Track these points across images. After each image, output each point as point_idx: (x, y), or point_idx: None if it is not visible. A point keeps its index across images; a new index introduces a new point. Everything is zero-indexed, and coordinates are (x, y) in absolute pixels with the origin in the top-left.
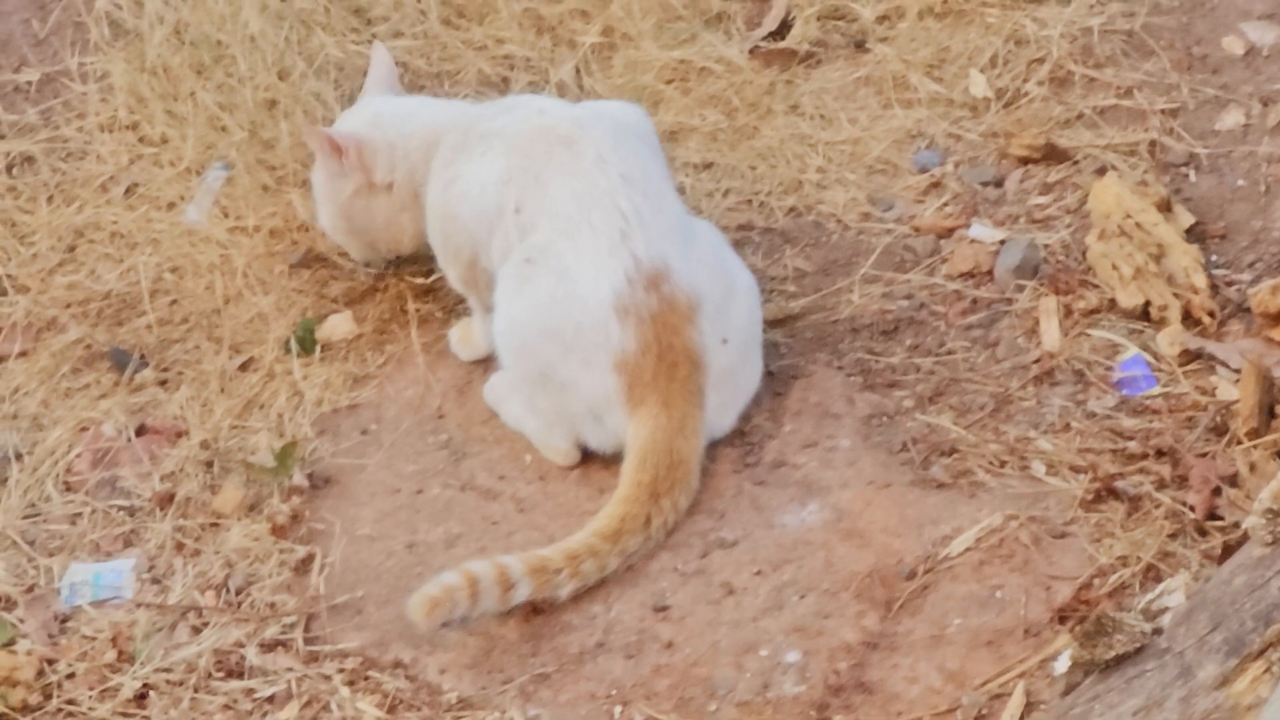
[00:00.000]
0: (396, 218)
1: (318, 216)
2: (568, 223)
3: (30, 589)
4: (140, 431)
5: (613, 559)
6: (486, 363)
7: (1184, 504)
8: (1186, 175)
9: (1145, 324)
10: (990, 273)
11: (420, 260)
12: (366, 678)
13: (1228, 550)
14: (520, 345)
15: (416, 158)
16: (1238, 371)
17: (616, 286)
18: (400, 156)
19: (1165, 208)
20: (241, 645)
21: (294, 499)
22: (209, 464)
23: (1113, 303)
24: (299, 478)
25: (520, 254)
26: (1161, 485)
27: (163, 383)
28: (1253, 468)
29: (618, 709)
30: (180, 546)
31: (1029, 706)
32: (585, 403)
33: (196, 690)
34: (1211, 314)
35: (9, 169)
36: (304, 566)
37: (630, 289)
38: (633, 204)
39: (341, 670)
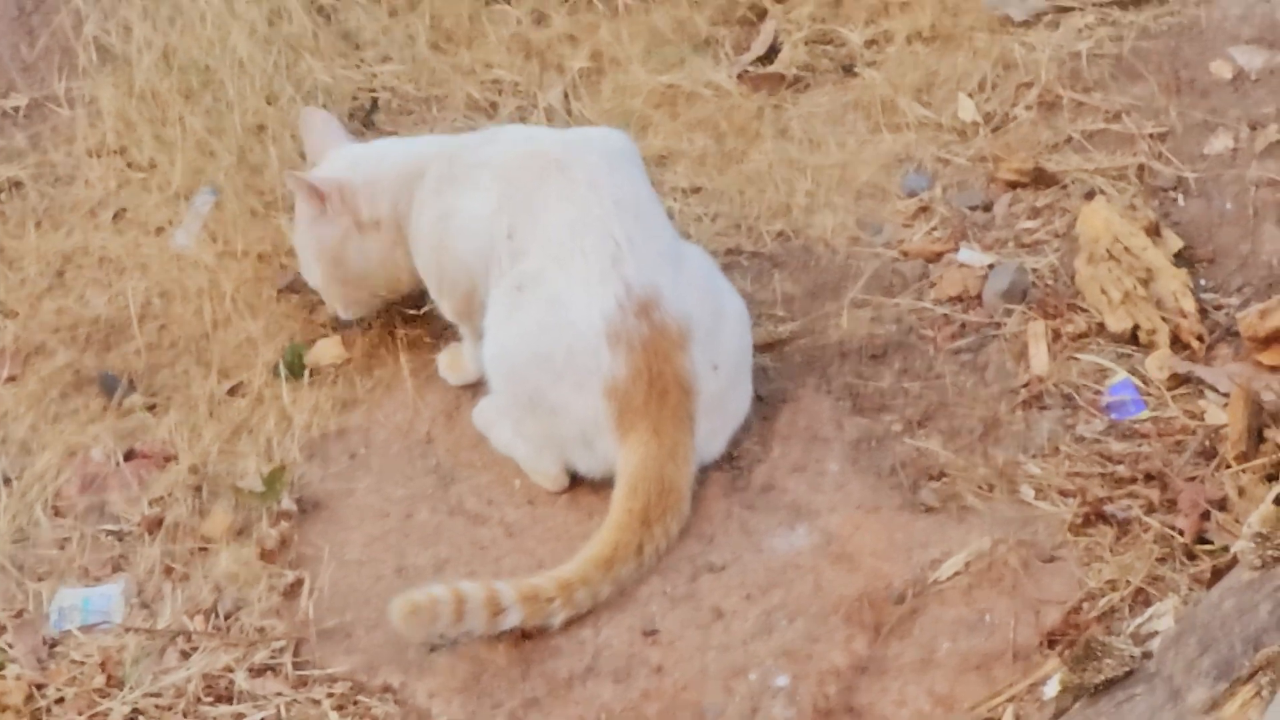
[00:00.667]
0: (391, 255)
1: (306, 276)
2: (560, 249)
3: (19, 614)
4: (129, 456)
5: (605, 586)
6: (475, 387)
7: (1173, 528)
8: (1175, 199)
9: (1134, 348)
10: (979, 297)
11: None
12: (355, 702)
13: (1217, 574)
14: (510, 370)
15: (398, 191)
16: (1226, 395)
17: (608, 313)
18: (382, 191)
19: (1154, 232)
20: (230, 670)
21: (282, 524)
22: (198, 489)
23: (1101, 327)
24: (287, 502)
25: (511, 280)
26: (1150, 509)
27: (151, 407)
28: (1241, 492)
29: None
30: (169, 571)
31: None
32: (575, 428)
33: (185, 715)
34: (1200, 338)
35: None
36: (293, 591)
37: (621, 315)
38: (625, 230)
39: (330, 694)
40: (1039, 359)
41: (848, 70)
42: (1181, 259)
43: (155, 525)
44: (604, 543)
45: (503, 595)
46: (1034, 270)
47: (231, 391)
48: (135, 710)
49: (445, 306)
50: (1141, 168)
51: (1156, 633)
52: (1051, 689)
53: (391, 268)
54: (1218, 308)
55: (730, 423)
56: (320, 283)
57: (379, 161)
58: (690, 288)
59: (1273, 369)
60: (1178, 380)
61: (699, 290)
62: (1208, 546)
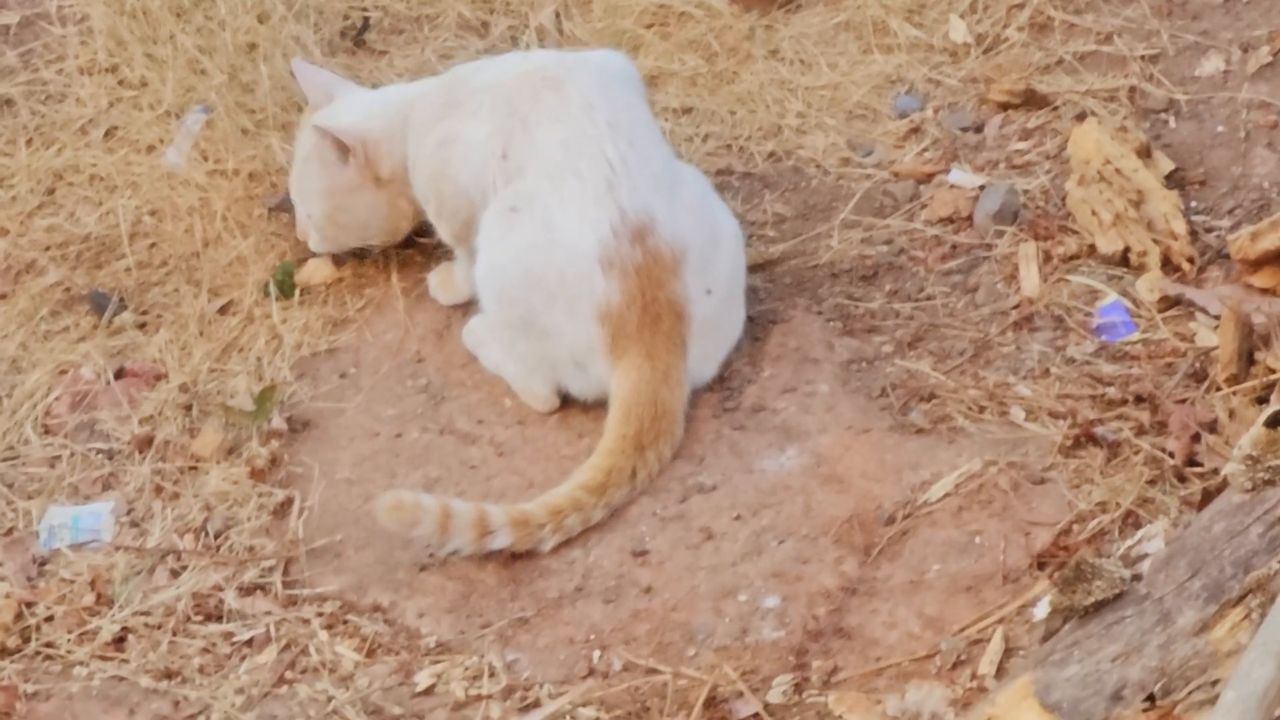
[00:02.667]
0: (396, 205)
1: (300, 206)
2: (554, 169)
3: (9, 532)
4: (119, 374)
5: (597, 511)
6: (466, 307)
7: (1163, 450)
8: (1166, 121)
9: (1124, 270)
10: (970, 218)
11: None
12: (345, 621)
13: (1207, 496)
14: (503, 291)
15: (404, 138)
16: (1217, 318)
17: (602, 239)
18: (398, 145)
19: (1145, 154)
20: (220, 589)
21: (273, 443)
22: (188, 407)
23: (1092, 248)
24: (278, 421)
25: (505, 201)
26: (1141, 431)
27: (142, 326)
28: (1232, 414)
29: (596, 653)
30: (159, 490)
31: (1008, 652)
32: (568, 351)
33: (175, 633)
34: (1191, 260)
35: None
36: (283, 510)
37: (615, 241)
38: (619, 152)
39: (320, 614)
40: (1029, 281)
41: None
42: (1172, 181)
43: (145, 444)
44: (597, 468)
45: (492, 518)
46: (1025, 192)
47: (222, 310)
48: (125, 629)
49: (443, 230)
50: (1133, 89)
51: (1146, 555)
52: (1041, 611)
53: (396, 218)
54: (1209, 230)
55: (723, 346)
56: (316, 220)
57: (389, 109)
58: (685, 212)
59: (1263, 291)
60: (1168, 302)
61: (694, 214)
62: (1198, 469)
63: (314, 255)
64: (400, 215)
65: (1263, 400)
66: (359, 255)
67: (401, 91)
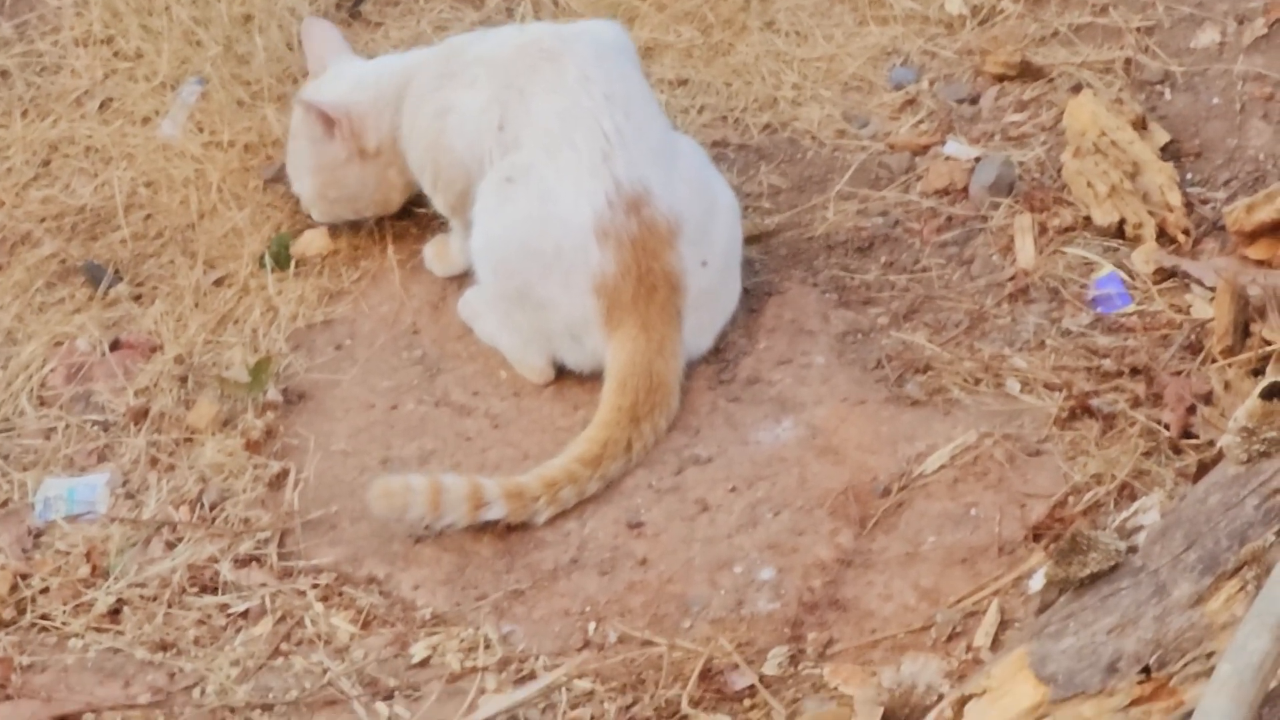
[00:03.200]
0: (385, 176)
1: (294, 183)
2: (550, 140)
3: (4, 504)
4: (114, 346)
5: (592, 483)
6: (461, 279)
7: (1159, 422)
8: (1162, 93)
9: (1120, 242)
10: (965, 190)
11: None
12: (340, 593)
13: (1203, 468)
14: (499, 262)
15: (397, 109)
16: (1212, 290)
17: (597, 209)
18: (385, 113)
19: (1140, 125)
20: (215, 560)
21: (268, 414)
22: (183, 379)
23: (1088, 220)
24: (273, 393)
25: (501, 172)
26: (1136, 403)
27: (137, 297)
28: (1227, 386)
29: (592, 625)
30: (154, 461)
31: (1003, 624)
32: (563, 323)
33: (170, 605)
34: (1186, 232)
35: None
36: (278, 482)
37: (610, 212)
38: (615, 124)
39: (315, 585)
40: (1025, 252)
41: None
42: (1168, 153)
43: (140, 415)
44: (592, 440)
45: (486, 490)
46: (1020, 163)
47: (217, 282)
48: (120, 600)
49: (439, 202)
50: (1128, 61)
51: (1142, 527)
52: (1036, 583)
53: (386, 189)
54: (1204, 202)
55: (719, 318)
56: (308, 194)
57: (379, 81)
58: (682, 183)
59: (1259, 263)
60: (1164, 274)
61: (690, 186)
62: (1193, 441)
63: (310, 227)
64: (390, 187)
65: (1258, 372)
66: (354, 227)
67: (391, 63)
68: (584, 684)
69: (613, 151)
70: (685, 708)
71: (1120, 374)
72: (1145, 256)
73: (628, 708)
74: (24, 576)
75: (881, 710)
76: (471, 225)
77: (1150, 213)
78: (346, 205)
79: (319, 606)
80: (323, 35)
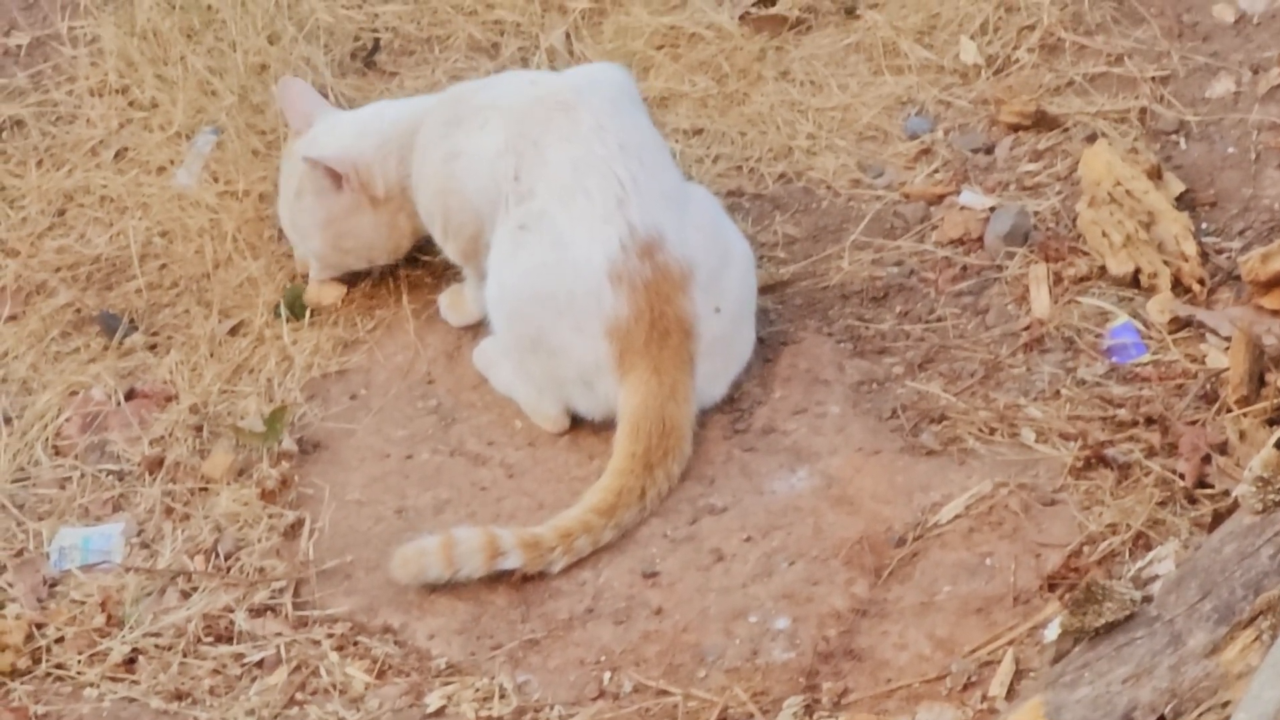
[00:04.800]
0: (395, 221)
1: (299, 243)
2: (564, 189)
3: (19, 553)
4: (129, 396)
5: (607, 532)
6: (476, 328)
7: (1174, 472)
8: (1177, 143)
9: (1135, 291)
10: (980, 239)
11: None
12: (355, 643)
13: (1218, 518)
14: (512, 310)
15: (404, 153)
16: (1227, 339)
17: (610, 254)
18: (393, 163)
19: (1155, 175)
20: (230, 610)
21: (283, 464)
22: (198, 428)
23: (1103, 270)
24: (288, 443)
25: (515, 220)
26: (1151, 453)
27: (152, 347)
28: (1242, 435)
29: (607, 675)
30: (169, 511)
31: (1018, 674)
32: (576, 369)
33: (185, 655)
34: (1201, 281)
35: None
36: (293, 531)
37: (624, 256)
38: (629, 172)
39: (330, 635)
40: (1040, 302)
41: (850, 12)
42: (1183, 202)
43: (156, 465)
44: (607, 490)
45: (502, 540)
46: (1036, 213)
47: (232, 331)
48: (135, 650)
49: (451, 249)
50: (1143, 111)
51: (1157, 576)
52: (1052, 632)
53: (396, 236)
54: (1219, 251)
55: (732, 366)
56: (317, 251)
57: (383, 128)
58: (695, 230)
59: (1274, 313)
60: (1179, 324)
61: (703, 233)
62: (1208, 490)
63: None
64: (400, 233)
65: (1274, 422)
66: (363, 276)
67: (391, 109)
68: None
69: (627, 198)
70: None
71: (1135, 424)
72: (1160, 306)
73: None
74: (39, 626)
75: None
76: (485, 274)
77: (1165, 262)
78: (359, 255)
79: (334, 656)
80: (301, 92)
